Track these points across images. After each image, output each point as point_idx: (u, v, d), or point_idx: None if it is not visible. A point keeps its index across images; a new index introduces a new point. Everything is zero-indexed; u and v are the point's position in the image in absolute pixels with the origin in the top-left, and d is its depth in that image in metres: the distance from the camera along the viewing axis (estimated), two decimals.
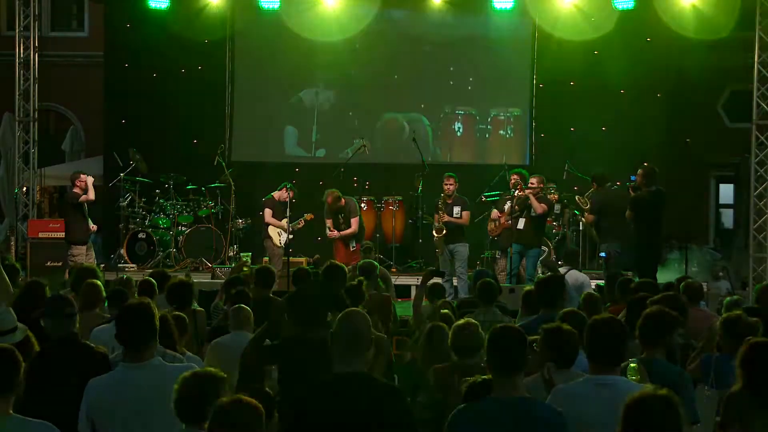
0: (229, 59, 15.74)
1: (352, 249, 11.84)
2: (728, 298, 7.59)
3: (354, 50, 15.68)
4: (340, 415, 3.70)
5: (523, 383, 3.84)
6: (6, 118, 16.84)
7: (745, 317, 5.54)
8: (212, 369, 3.81)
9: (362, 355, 3.86)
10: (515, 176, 12.08)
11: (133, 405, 4.11)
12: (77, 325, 5.08)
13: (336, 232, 12.13)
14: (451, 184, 11.88)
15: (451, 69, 15.69)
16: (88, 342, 4.98)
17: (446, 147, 15.99)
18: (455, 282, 11.70)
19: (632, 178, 11.38)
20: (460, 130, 15.88)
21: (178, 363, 4.69)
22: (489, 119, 15.81)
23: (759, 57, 13.14)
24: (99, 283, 6.90)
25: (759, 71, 13.15)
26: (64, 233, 12.60)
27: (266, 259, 12.58)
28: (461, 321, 5.27)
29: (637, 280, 8.37)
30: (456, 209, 11.80)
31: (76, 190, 12.84)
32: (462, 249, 11.84)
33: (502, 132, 15.82)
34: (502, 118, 15.78)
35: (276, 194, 12.94)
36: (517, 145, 15.89)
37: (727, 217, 19.13)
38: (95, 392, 4.22)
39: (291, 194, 12.53)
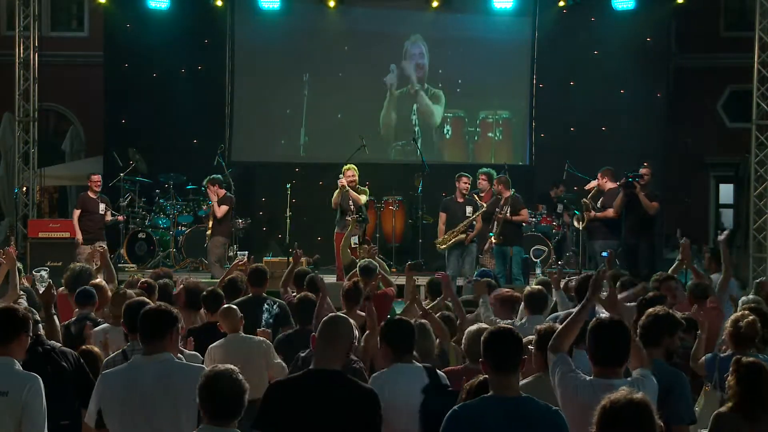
0: (229, 59, 15.74)
1: (354, 245, 11.69)
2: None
3: (351, 50, 15.69)
4: (311, 410, 3.79)
5: (519, 383, 3.87)
6: (6, 118, 16.85)
7: (752, 319, 5.49)
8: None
9: (341, 356, 4.00)
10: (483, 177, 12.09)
11: (140, 396, 4.17)
12: (42, 329, 5.08)
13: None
14: (464, 183, 11.89)
15: (440, 72, 15.69)
16: (53, 343, 4.98)
17: (440, 147, 15.98)
18: (459, 282, 11.64)
19: (626, 173, 11.37)
20: (449, 133, 15.87)
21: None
22: (478, 120, 15.78)
23: (759, 57, 13.14)
24: (105, 285, 6.97)
25: (759, 71, 13.16)
26: (66, 233, 12.52)
27: (267, 259, 12.54)
28: (474, 327, 5.24)
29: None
30: (468, 209, 11.79)
31: (90, 193, 12.69)
32: (474, 249, 11.92)
33: (491, 135, 15.79)
34: (491, 120, 15.76)
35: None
36: (517, 145, 15.88)
37: (727, 217, 19.12)
38: (108, 381, 4.30)
39: (212, 187, 12.63)
